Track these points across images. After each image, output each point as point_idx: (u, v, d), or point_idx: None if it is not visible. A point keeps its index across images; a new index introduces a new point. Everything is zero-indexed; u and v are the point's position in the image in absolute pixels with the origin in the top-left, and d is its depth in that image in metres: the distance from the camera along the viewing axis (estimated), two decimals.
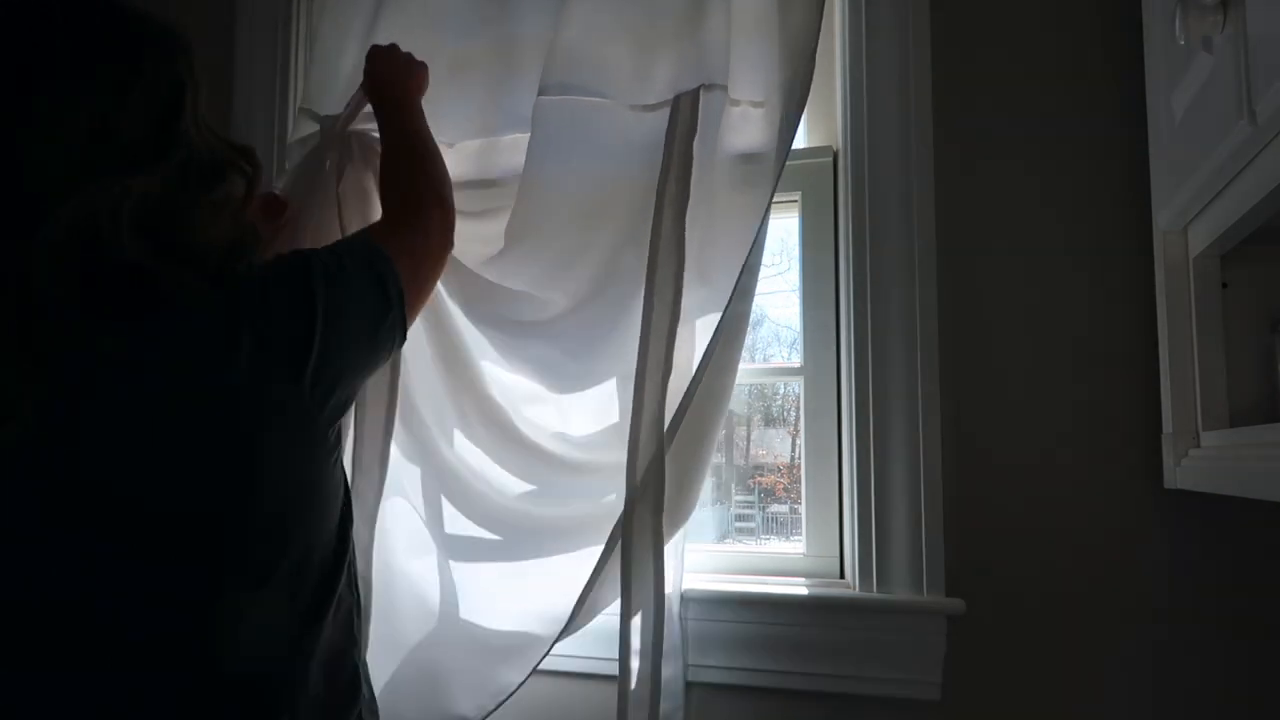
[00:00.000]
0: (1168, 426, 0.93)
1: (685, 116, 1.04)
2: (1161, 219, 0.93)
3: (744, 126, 1.07)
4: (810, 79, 0.98)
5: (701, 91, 1.04)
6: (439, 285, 1.05)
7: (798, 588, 1.10)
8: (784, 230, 1.29)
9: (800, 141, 1.24)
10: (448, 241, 0.92)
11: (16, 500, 0.60)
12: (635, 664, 0.96)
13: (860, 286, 1.09)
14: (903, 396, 1.06)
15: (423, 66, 1.08)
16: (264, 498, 0.65)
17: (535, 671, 1.00)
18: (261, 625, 0.66)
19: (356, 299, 0.72)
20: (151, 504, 0.61)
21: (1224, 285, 0.88)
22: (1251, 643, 0.96)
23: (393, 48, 1.07)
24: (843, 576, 1.14)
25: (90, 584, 0.61)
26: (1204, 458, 0.87)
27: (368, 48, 1.08)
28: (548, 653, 0.98)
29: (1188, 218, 0.88)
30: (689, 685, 1.08)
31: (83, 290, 0.61)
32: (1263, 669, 0.95)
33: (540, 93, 1.08)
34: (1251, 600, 0.96)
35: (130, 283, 0.62)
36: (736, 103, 1.07)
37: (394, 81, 1.04)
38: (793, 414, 1.38)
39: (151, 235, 0.62)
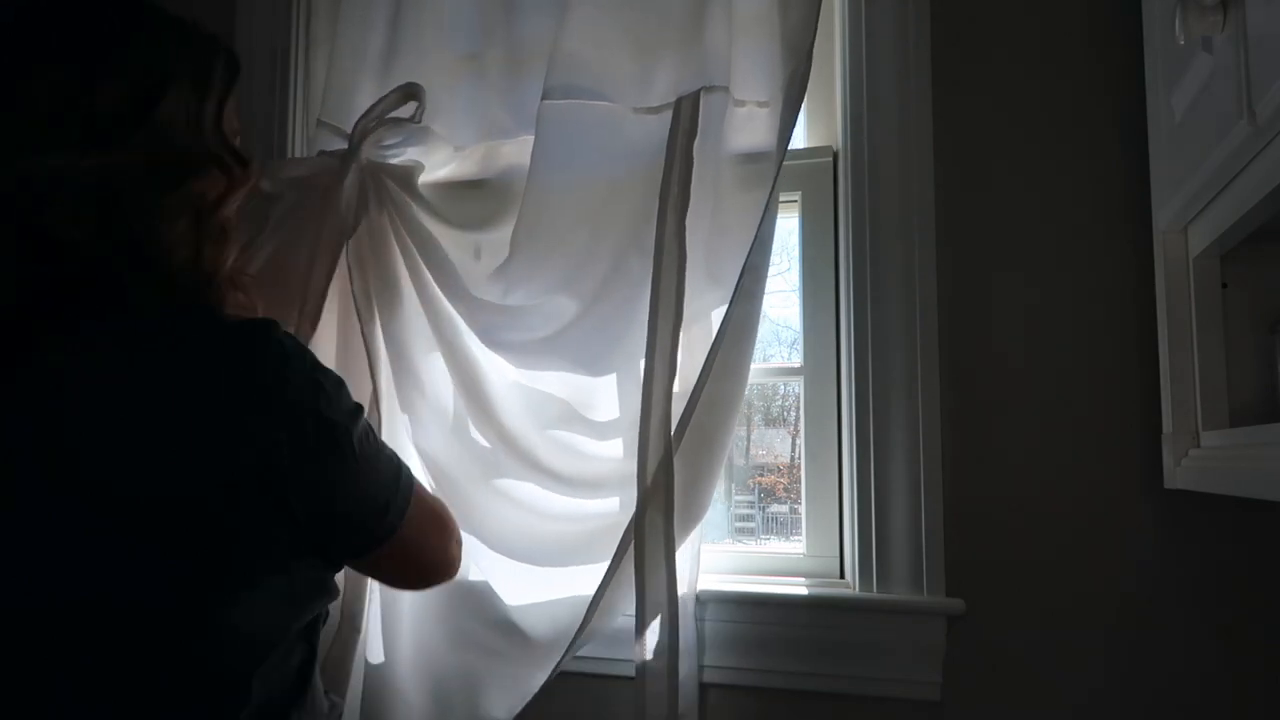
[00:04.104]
0: (1168, 426, 0.93)
1: (686, 119, 1.04)
2: (1161, 219, 0.93)
3: (749, 127, 1.07)
4: (808, 76, 0.98)
5: (702, 94, 1.04)
6: (453, 314, 1.09)
7: (798, 588, 1.10)
8: (784, 230, 1.29)
9: (800, 141, 1.24)
10: (450, 573, 0.86)
11: None
12: (652, 664, 0.96)
13: (860, 286, 1.09)
14: (903, 396, 1.06)
15: None
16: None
17: (555, 673, 1.01)
18: (236, 628, 0.63)
19: (373, 482, 0.70)
20: (115, 500, 0.59)
21: (1224, 285, 0.87)
22: (1251, 643, 0.96)
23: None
24: (843, 576, 1.14)
25: (49, 582, 0.59)
26: (1204, 458, 0.87)
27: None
28: (568, 654, 0.99)
29: (1188, 218, 0.88)
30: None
31: (21, 282, 0.59)
32: (1263, 669, 0.95)
33: (544, 96, 1.08)
34: (1251, 600, 0.96)
35: (76, 278, 0.60)
36: (741, 103, 1.07)
37: None
38: (793, 414, 1.37)
39: (103, 221, 0.61)
